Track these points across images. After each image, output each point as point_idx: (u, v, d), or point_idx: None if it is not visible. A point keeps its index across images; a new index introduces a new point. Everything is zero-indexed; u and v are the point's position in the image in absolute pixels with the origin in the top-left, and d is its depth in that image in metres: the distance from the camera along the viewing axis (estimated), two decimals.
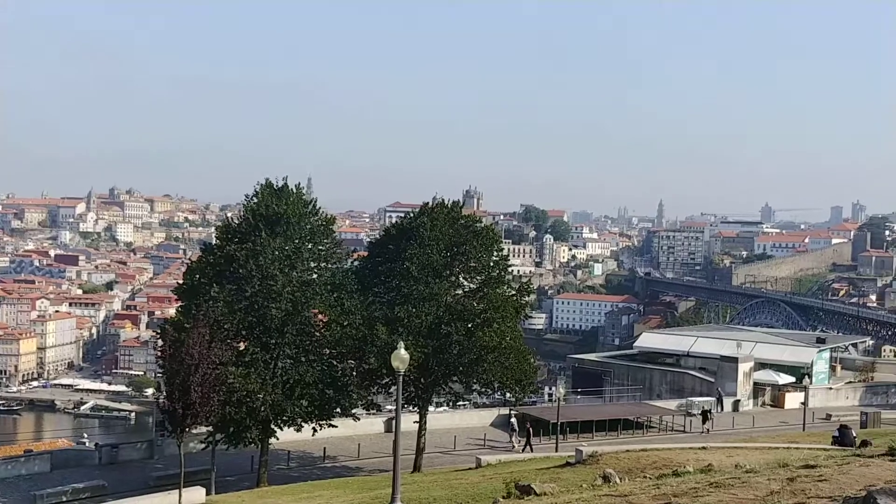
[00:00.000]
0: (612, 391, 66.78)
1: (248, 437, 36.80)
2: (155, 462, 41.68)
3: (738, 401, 63.02)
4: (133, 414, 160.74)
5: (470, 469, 34.48)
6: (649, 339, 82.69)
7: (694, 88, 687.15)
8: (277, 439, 39.27)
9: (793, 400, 63.49)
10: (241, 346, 37.73)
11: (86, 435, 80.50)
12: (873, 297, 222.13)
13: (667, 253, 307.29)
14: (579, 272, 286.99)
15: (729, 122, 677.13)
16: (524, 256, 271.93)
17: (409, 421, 41.01)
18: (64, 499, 35.04)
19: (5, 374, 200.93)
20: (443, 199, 42.76)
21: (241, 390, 34.61)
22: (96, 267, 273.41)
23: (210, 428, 35.28)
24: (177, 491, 30.30)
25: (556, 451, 40.12)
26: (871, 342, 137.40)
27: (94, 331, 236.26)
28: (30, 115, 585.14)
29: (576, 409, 54.78)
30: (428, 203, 42.50)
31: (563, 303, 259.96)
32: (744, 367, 64.73)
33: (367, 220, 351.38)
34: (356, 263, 43.70)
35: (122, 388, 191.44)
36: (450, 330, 37.89)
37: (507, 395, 42.80)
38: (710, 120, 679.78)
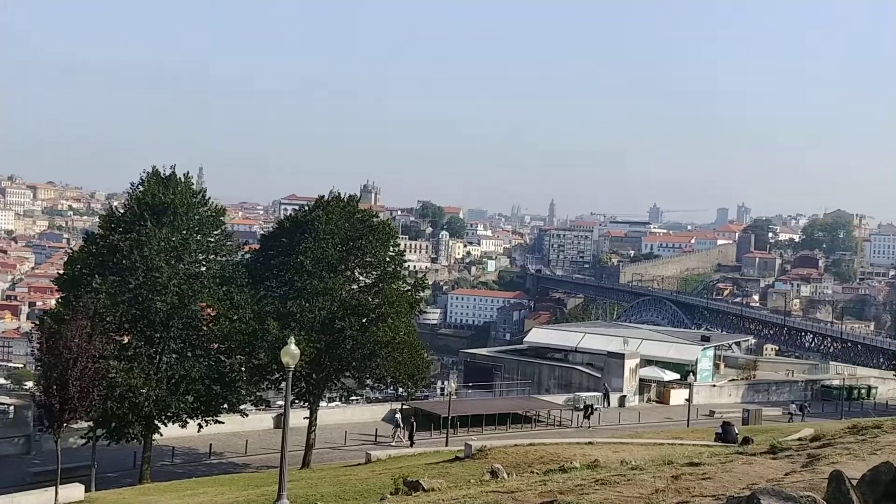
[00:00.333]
0: (503, 385, 67.51)
1: (130, 432, 35.53)
2: (32, 458, 40.11)
3: (624, 396, 64.51)
4: (11, 407, 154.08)
5: (359, 465, 34.25)
6: (539, 335, 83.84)
7: (580, 93, 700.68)
8: (161, 435, 38.11)
9: (678, 396, 65.32)
10: (125, 339, 36.38)
11: None
12: (756, 298, 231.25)
13: (557, 251, 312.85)
14: (473, 268, 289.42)
15: (618, 125, 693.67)
16: (420, 252, 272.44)
17: (299, 417, 40.43)
18: None
19: None
20: (339, 193, 42.28)
21: (123, 385, 33.39)
22: None
23: (91, 423, 33.94)
24: (54, 488, 29.05)
25: (447, 445, 40.24)
26: (753, 341, 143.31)
27: None
28: None
29: (467, 404, 55.09)
30: (324, 196, 41.96)
31: (457, 298, 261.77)
32: (630, 364, 66.27)
33: (262, 212, 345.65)
34: (247, 256, 42.75)
35: (0, 380, 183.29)
36: (343, 325, 37.53)
37: (400, 389, 42.67)
38: (598, 123, 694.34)
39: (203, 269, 37.98)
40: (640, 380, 67.54)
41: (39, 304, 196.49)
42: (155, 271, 35.05)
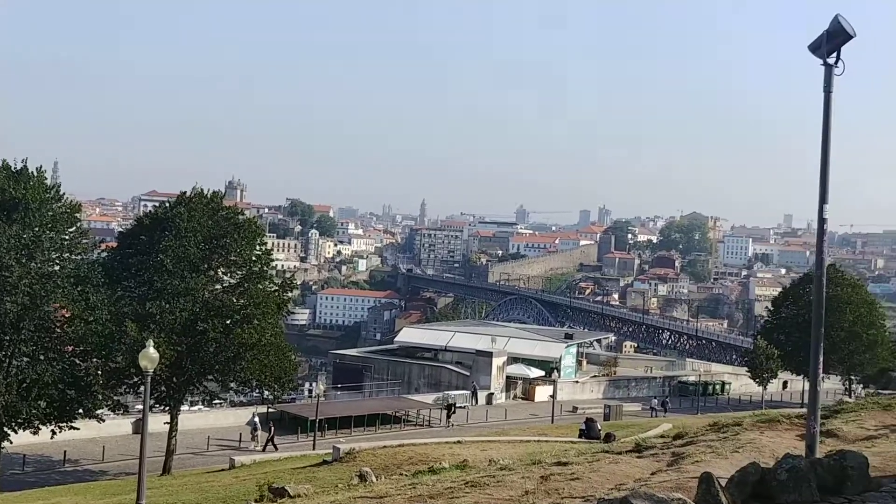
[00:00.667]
0: (373, 386, 67.20)
1: None
2: None
3: (492, 394, 65.35)
4: None
5: (223, 470, 33.35)
6: (409, 334, 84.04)
7: (444, 94, 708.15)
8: (11, 443, 35.92)
9: (542, 393, 66.69)
10: None
11: None
12: (616, 296, 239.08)
13: (428, 250, 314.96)
14: (344, 268, 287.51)
15: (485, 129, 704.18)
16: (289, 251, 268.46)
17: (159, 422, 39.03)
18: None
19: None
20: (202, 189, 40.97)
21: None
22: None
23: None
24: None
25: (314, 448, 39.66)
26: (613, 338, 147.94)
27: None
28: None
29: (335, 406, 54.50)
30: (186, 192, 40.57)
31: (326, 298, 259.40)
32: (497, 362, 67.19)
33: (120, 208, 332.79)
34: (104, 255, 40.85)
35: None
36: (206, 327, 36.36)
37: (266, 393, 41.71)
38: (463, 126, 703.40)
39: (57, 268, 35.95)
40: (507, 377, 68.61)
41: None
42: (4, 270, 32.95)
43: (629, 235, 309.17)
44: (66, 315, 35.71)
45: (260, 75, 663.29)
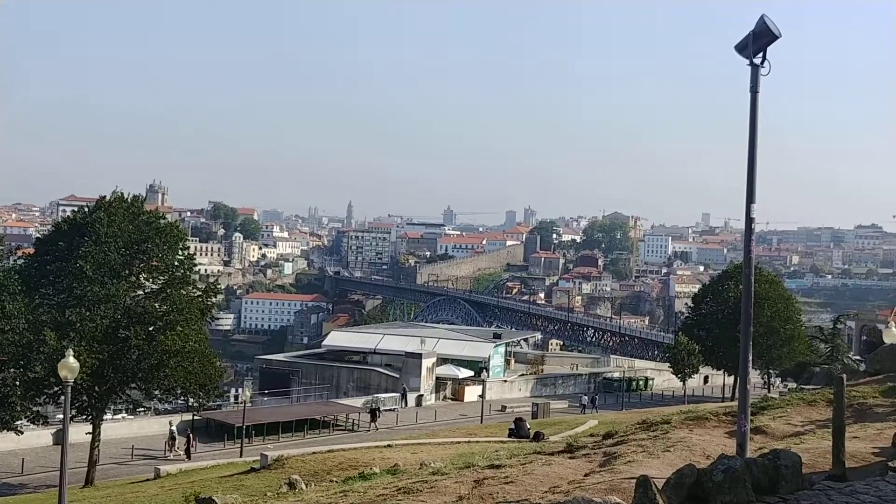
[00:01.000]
0: (301, 391, 66.45)
1: None
2: None
3: (422, 395, 65.27)
4: None
5: (148, 480, 32.59)
6: (337, 338, 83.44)
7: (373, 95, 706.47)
8: None
9: (472, 393, 66.86)
10: None
11: None
12: (542, 295, 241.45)
13: (356, 252, 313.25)
14: (269, 271, 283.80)
15: (402, 129, 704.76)
16: (212, 255, 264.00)
17: (81, 432, 37.90)
18: None
19: None
20: (122, 193, 39.97)
21: None
22: None
23: None
24: None
25: (241, 456, 39.02)
26: (540, 337, 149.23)
27: None
28: None
29: (262, 412, 53.74)
30: (105, 197, 39.51)
31: (252, 302, 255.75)
32: (427, 363, 67.16)
33: (38, 214, 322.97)
34: (21, 262, 39.51)
35: None
36: (128, 334, 35.45)
37: (191, 400, 40.84)
38: (388, 128, 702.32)
39: None
40: (437, 378, 68.62)
41: None
42: None
43: (554, 235, 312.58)
44: None
45: (178, 77, 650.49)
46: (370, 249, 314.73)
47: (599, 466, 9.17)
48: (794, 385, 54.85)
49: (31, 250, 41.52)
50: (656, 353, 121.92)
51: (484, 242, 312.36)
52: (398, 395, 62.74)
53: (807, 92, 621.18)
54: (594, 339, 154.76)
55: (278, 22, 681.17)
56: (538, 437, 34.66)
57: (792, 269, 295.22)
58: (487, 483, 9.54)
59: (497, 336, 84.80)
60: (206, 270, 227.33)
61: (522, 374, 79.78)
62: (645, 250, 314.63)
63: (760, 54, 8.20)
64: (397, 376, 67.33)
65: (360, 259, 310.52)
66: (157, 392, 39.14)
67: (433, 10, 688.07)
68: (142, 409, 44.54)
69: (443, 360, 70.71)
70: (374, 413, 52.85)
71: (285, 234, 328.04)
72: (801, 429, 10.12)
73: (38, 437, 43.72)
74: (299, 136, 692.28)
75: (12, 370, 35.43)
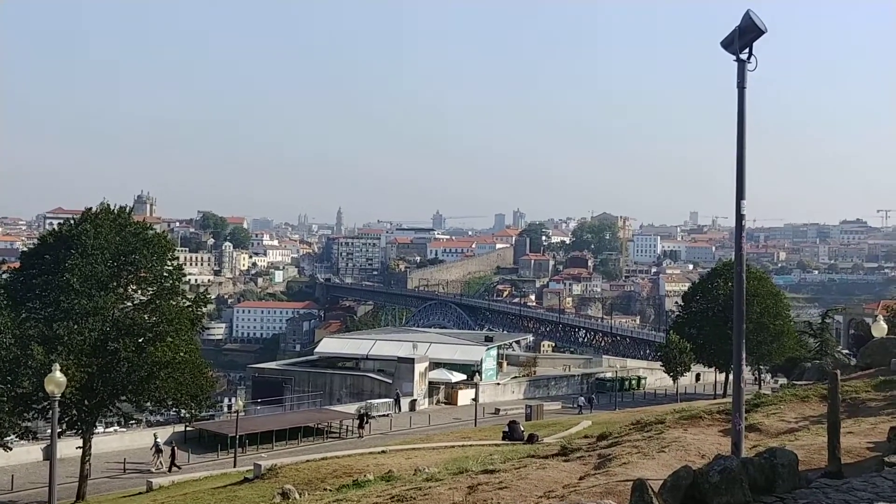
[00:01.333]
0: (293, 399, 66.20)
1: None
2: None
3: (415, 400, 65.11)
4: None
5: (140, 494, 32.36)
6: (329, 345, 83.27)
7: (357, 104, 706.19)
8: None
9: (465, 396, 66.78)
10: None
11: None
12: (533, 297, 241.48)
13: (346, 259, 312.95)
14: (260, 280, 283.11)
15: (396, 137, 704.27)
16: (202, 265, 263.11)
17: (72, 446, 37.58)
18: None
19: None
20: (109, 205, 39.69)
21: None
22: None
23: None
24: None
25: (235, 466, 38.78)
26: (532, 339, 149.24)
27: None
28: None
29: (256, 421, 53.47)
30: (91, 208, 39.22)
31: (243, 311, 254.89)
32: (419, 368, 67.04)
33: (24, 227, 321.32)
34: (6, 276, 39.16)
35: None
36: (117, 346, 35.15)
37: (183, 411, 40.55)
38: (375, 132, 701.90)
39: None
40: (430, 383, 68.51)
41: None
42: None
43: (543, 237, 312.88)
44: None
45: (166, 85, 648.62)
46: (360, 256, 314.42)
47: (594, 469, 9.08)
48: (785, 380, 54.94)
49: (17, 264, 41.12)
50: (648, 352, 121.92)
51: (474, 246, 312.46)
52: (392, 400, 62.55)
53: (790, 86, 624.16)
54: (586, 340, 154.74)
55: (273, 26, 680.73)
56: (532, 439, 34.61)
57: (779, 265, 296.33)
58: (482, 489, 9.43)
59: (489, 339, 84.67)
60: (196, 280, 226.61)
61: (515, 377, 79.66)
62: (634, 250, 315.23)
63: (747, 50, 8.13)
64: (390, 381, 67.18)
65: (351, 265, 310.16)
66: (147, 404, 38.84)
67: (431, 12, 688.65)
68: (134, 421, 44.27)
69: (435, 365, 70.58)
70: (362, 419, 52.50)
71: (275, 243, 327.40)
72: (796, 425, 10.05)
73: (27, 453, 43.32)
74: (290, 139, 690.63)
75: (0, 385, 35.11)
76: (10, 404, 35.11)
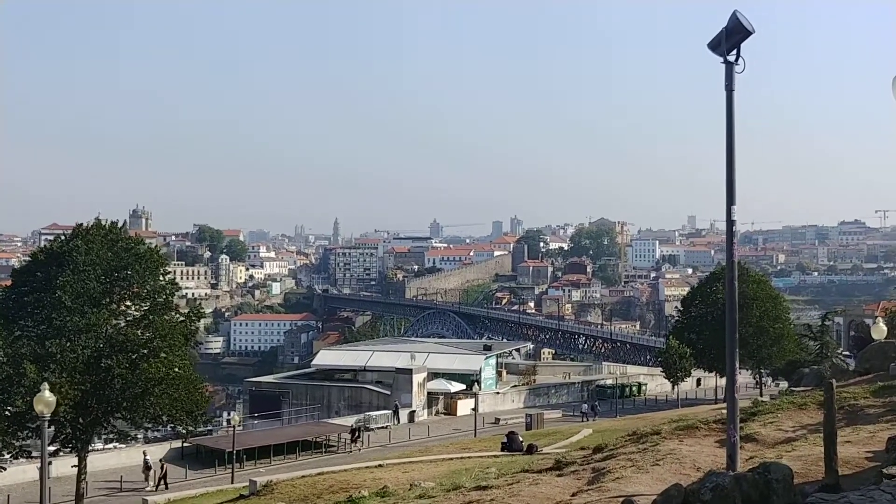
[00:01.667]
0: (291, 412, 65.84)
1: None
2: None
3: (414, 411, 64.75)
4: None
5: None
6: (327, 357, 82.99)
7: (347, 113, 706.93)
8: None
9: (464, 406, 66.42)
10: None
11: None
12: (532, 304, 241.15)
13: (343, 269, 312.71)
14: (257, 292, 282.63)
15: (392, 145, 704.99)
16: (199, 278, 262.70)
17: (67, 465, 37.25)
18: None
19: None
20: (101, 220, 39.46)
21: None
22: None
23: None
24: None
25: (232, 482, 38.43)
26: (531, 346, 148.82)
27: None
28: None
29: (253, 435, 53.15)
30: (83, 224, 38.97)
31: (241, 324, 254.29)
32: (418, 378, 66.67)
33: (20, 244, 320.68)
34: None
35: None
36: (111, 363, 34.83)
37: (179, 427, 40.20)
38: (369, 143, 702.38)
39: None
40: (429, 393, 68.13)
41: None
42: None
43: (541, 244, 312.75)
44: None
45: (163, 93, 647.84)
46: (358, 266, 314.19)
47: (587, 484, 8.84)
48: (786, 384, 54.63)
49: (8, 282, 40.83)
50: (648, 357, 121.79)
51: (471, 254, 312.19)
52: (390, 411, 62.21)
53: (785, 87, 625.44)
54: (586, 347, 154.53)
55: (267, 31, 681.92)
56: (531, 449, 34.31)
57: (778, 267, 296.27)
58: None
59: (487, 348, 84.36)
60: (193, 294, 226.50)
61: (515, 386, 79.32)
62: (633, 255, 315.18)
63: (734, 51, 7.93)
64: (388, 393, 66.83)
65: (349, 276, 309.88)
66: (142, 421, 38.51)
67: (429, 13, 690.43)
68: (132, 438, 43.96)
69: (434, 375, 70.25)
70: (353, 433, 52.08)
71: (272, 254, 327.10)
72: (793, 434, 9.82)
73: (23, 472, 42.93)
74: (286, 147, 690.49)
75: None
76: (3, 424, 34.82)
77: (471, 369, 72.80)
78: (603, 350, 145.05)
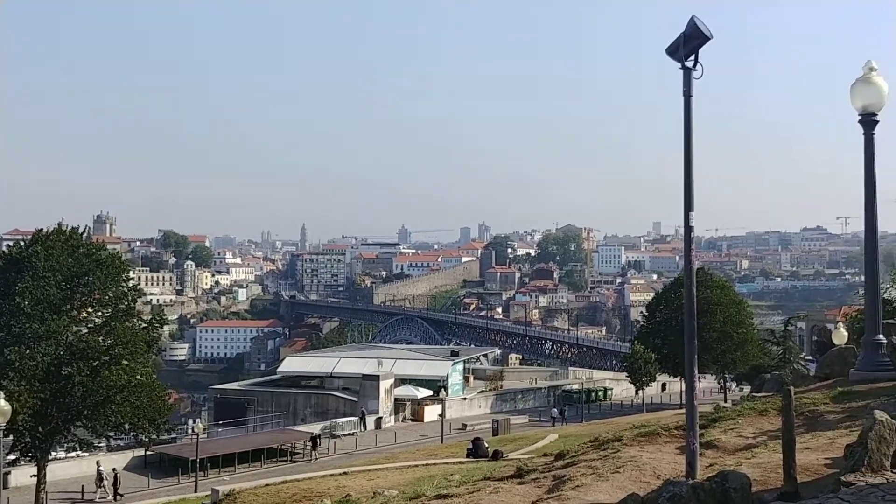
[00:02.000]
0: (257, 420, 65.26)
1: None
2: None
3: (381, 418, 64.47)
4: None
5: None
6: (293, 363, 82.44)
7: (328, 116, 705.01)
8: None
9: (431, 413, 66.25)
10: None
11: None
12: (499, 310, 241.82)
13: (311, 275, 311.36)
14: (223, 298, 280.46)
15: (365, 147, 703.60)
16: (164, 284, 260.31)
17: (26, 474, 36.59)
18: None
19: None
20: (61, 226, 38.89)
21: None
22: None
23: None
24: None
25: (196, 490, 37.99)
26: (499, 352, 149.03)
27: None
28: None
29: (218, 443, 52.55)
30: (43, 230, 38.40)
31: (206, 331, 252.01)
32: (385, 385, 66.40)
33: None
34: None
35: None
36: (71, 371, 34.42)
37: (141, 436, 39.70)
38: (347, 146, 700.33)
39: None
40: (396, 399, 67.91)
41: None
42: None
43: (509, 250, 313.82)
44: None
45: (131, 100, 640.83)
46: (325, 272, 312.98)
47: (547, 493, 8.78)
48: (749, 389, 55.10)
49: None
50: (614, 362, 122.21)
51: (440, 260, 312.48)
52: (357, 418, 61.87)
53: (750, 94, 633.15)
54: (552, 352, 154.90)
55: (227, 33, 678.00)
56: (497, 455, 34.28)
57: (742, 273, 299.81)
58: None
59: (455, 354, 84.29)
60: (157, 300, 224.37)
61: (482, 391, 79.32)
62: (599, 261, 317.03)
63: (692, 57, 7.94)
64: (355, 399, 66.48)
65: (316, 282, 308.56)
66: (104, 429, 38.00)
67: (397, 17, 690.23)
68: (94, 447, 43.34)
69: (401, 381, 70.04)
70: (314, 441, 51.63)
71: (238, 260, 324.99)
72: (753, 441, 9.83)
73: None
74: (249, 147, 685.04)
75: None
76: None
77: (438, 375, 72.66)
78: (569, 355, 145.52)
